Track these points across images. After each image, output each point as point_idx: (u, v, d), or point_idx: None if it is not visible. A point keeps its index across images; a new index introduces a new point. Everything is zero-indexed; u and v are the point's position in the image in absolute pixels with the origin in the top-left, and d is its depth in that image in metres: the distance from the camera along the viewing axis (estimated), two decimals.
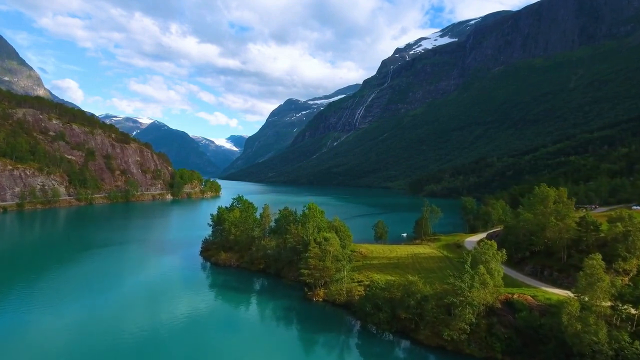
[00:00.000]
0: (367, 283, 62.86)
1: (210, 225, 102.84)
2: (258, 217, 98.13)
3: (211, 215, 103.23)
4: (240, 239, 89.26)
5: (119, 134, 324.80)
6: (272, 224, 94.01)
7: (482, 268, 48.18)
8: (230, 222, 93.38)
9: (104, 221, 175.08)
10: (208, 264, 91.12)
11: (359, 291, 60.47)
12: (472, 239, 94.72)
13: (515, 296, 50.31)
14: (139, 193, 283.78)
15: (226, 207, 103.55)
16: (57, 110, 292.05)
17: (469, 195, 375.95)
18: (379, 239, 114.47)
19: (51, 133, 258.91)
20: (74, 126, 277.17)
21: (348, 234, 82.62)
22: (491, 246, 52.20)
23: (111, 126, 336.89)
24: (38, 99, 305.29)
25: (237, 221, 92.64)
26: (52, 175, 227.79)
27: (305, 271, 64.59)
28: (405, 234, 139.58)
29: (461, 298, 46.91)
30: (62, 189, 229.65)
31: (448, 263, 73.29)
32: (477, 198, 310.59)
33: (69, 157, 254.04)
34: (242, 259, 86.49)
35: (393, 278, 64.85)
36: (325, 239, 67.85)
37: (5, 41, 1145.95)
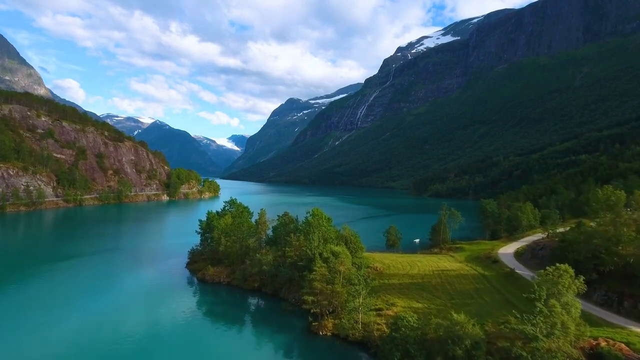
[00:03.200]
0: (388, 313, 49.25)
1: (199, 233, 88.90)
2: (254, 222, 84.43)
3: (199, 221, 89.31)
4: (231, 250, 74.92)
5: (112, 131, 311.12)
6: (270, 231, 79.86)
7: (556, 305, 34.61)
8: (220, 230, 79.25)
9: (88, 225, 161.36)
10: (195, 278, 77.39)
11: (378, 325, 46.74)
12: (506, 250, 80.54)
13: (602, 343, 36.78)
14: (132, 194, 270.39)
15: (217, 212, 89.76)
16: (47, 107, 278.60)
17: (475, 195, 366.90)
18: (391, 246, 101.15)
19: (39, 130, 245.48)
20: (64, 123, 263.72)
21: (360, 246, 68.66)
22: (565, 272, 38.68)
23: (104, 123, 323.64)
24: (26, 95, 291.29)
25: (229, 229, 78.48)
26: (38, 175, 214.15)
27: (309, 298, 50.35)
28: (417, 240, 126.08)
29: (534, 345, 33.50)
30: (49, 190, 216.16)
31: (487, 284, 59.35)
32: (484, 198, 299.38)
33: (58, 155, 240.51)
34: (234, 275, 72.33)
35: (420, 305, 51.37)
36: (334, 255, 54.16)
37: (6, 40, 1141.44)
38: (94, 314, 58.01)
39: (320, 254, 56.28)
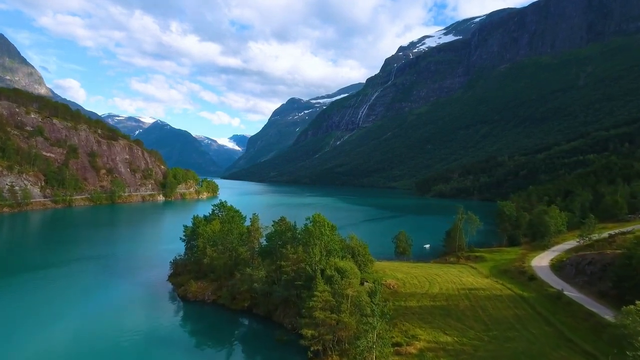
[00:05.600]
0: (409, 350, 38.56)
1: (183, 240, 78.03)
2: (247, 228, 73.43)
3: (184, 226, 78.51)
4: (217, 263, 63.89)
5: (106, 129, 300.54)
6: (263, 240, 68.82)
7: None
8: (205, 239, 68.39)
9: (71, 228, 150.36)
10: (176, 294, 66.45)
11: None
12: (540, 263, 69.06)
13: None
14: (126, 194, 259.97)
15: (205, 216, 79.00)
16: (38, 104, 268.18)
17: (480, 195, 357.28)
18: (401, 254, 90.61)
19: (28, 128, 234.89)
20: (55, 121, 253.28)
21: (369, 259, 57.86)
22: None
23: (97, 121, 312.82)
24: (15, 90, 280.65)
25: (216, 237, 67.61)
26: (24, 175, 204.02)
27: (309, 332, 39.38)
28: (428, 245, 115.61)
29: None
30: (36, 190, 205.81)
31: (529, 310, 48.07)
32: (490, 199, 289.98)
33: (47, 154, 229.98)
34: (220, 292, 61.22)
35: (450, 339, 40.62)
36: (340, 272, 43.48)
37: (6, 40, 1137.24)
38: (48, 339, 47.41)
39: (322, 271, 45.69)
